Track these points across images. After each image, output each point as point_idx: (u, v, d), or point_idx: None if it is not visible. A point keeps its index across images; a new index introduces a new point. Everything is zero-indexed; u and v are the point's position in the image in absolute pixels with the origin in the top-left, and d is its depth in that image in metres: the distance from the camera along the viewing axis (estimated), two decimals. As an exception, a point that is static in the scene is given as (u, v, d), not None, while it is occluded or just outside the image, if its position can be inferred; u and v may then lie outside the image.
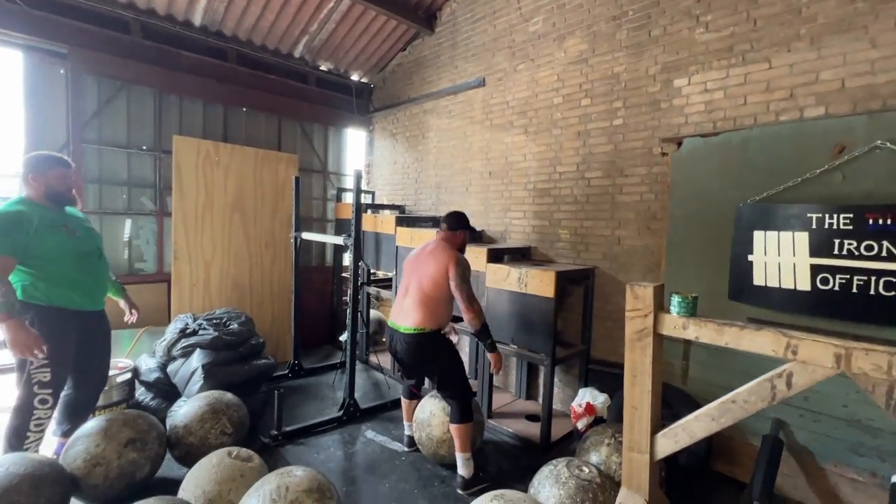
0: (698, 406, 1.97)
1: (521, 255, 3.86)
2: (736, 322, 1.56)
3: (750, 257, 2.64)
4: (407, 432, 3.15)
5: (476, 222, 4.50)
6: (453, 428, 2.69)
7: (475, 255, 3.54)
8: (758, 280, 2.61)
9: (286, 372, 4.32)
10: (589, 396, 3.17)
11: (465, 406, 2.69)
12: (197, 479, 2.25)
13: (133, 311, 2.98)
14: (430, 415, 2.89)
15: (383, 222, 4.48)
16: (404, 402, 3.16)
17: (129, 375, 3.24)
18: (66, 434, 2.64)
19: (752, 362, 1.99)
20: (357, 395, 3.64)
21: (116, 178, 4.22)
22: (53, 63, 3.86)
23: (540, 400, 3.90)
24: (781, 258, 2.52)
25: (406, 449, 3.13)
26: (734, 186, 2.73)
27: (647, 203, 3.26)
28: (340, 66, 5.53)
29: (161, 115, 4.40)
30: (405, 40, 5.26)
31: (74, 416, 2.68)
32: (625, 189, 3.37)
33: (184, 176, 4.29)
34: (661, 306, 1.73)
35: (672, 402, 2.79)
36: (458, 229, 2.91)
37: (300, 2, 4.40)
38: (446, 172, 4.87)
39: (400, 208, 5.28)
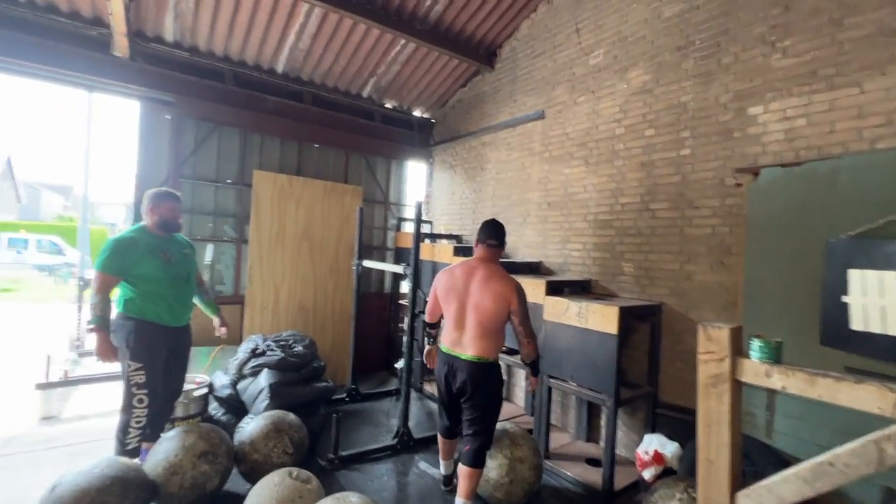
0: (787, 464, 1.76)
1: (580, 289, 3.75)
2: (831, 372, 1.40)
3: (845, 298, 2.37)
4: (444, 471, 3.03)
5: (534, 254, 4.45)
6: (468, 471, 2.54)
7: (533, 287, 3.49)
8: (856, 324, 2.32)
9: (344, 396, 4.43)
10: (657, 444, 2.93)
11: (486, 448, 2.63)
12: (259, 497, 2.35)
13: (223, 326, 3.30)
14: (487, 456, 2.82)
15: (441, 251, 4.57)
16: (442, 440, 2.98)
17: (205, 390, 3.49)
18: (147, 438, 2.89)
19: (852, 418, 1.75)
20: (411, 423, 3.64)
21: (204, 208, 4.70)
22: (162, 110, 4.45)
23: (601, 443, 3.68)
24: (886, 300, 2.23)
25: (443, 487, 3.02)
26: (821, 220, 2.50)
27: (719, 236, 3.06)
28: (404, 103, 5.85)
29: (245, 152, 4.88)
30: (466, 77, 5.48)
31: (155, 420, 2.93)
32: (694, 221, 3.20)
33: (261, 207, 4.68)
34: (738, 350, 1.59)
35: (755, 458, 2.51)
36: (504, 244, 2.83)
37: (370, 47, 4.76)
38: (504, 203, 4.90)
39: (457, 238, 5.37)
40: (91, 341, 2.80)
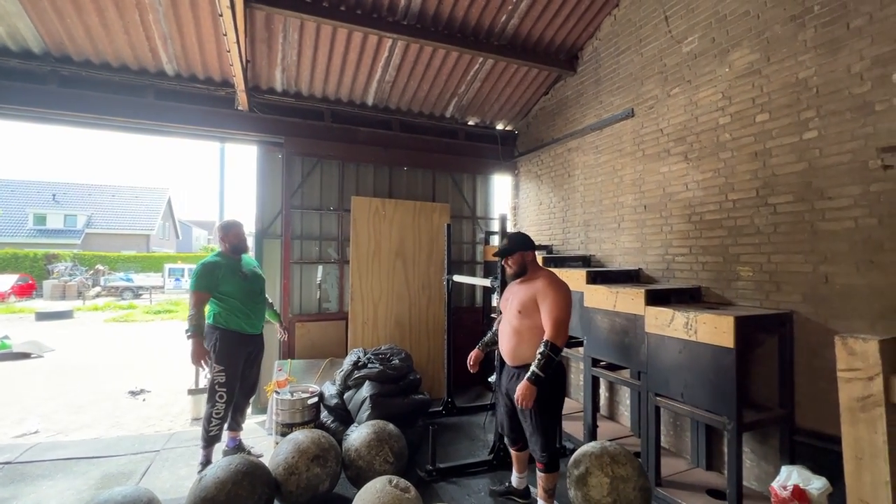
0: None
1: (688, 297, 3.39)
2: None
3: None
4: (518, 485, 3.04)
5: (632, 261, 4.15)
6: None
7: (631, 298, 3.24)
8: None
9: (440, 409, 4.53)
10: (797, 478, 2.49)
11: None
12: (363, 502, 2.49)
13: (285, 332, 3.95)
14: (585, 472, 2.66)
15: (530, 263, 4.48)
16: (515, 453, 3.02)
17: (316, 399, 3.83)
18: (231, 428, 3.50)
19: None
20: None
21: (311, 233, 5.24)
22: (274, 150, 5.09)
23: (725, 472, 3.23)
24: None
25: (521, 501, 3.01)
26: None
27: (865, 230, 2.56)
28: (486, 118, 5.94)
29: (343, 180, 5.35)
30: (547, 85, 5.39)
31: (233, 413, 3.49)
32: (829, 214, 2.72)
33: (359, 229, 5.07)
34: (894, 367, 1.31)
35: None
36: (512, 251, 2.82)
37: (450, 70, 4.94)
38: (595, 209, 4.67)
39: (547, 248, 5.23)
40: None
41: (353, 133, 5.31)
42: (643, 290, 3.20)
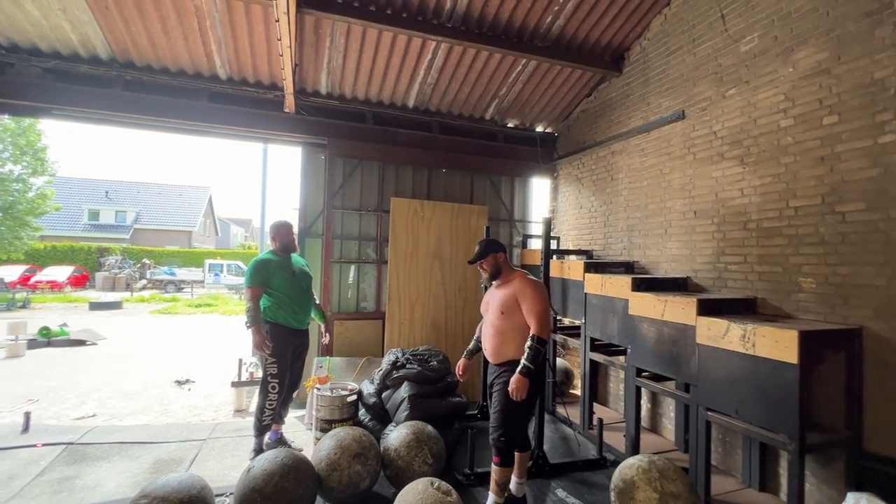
0: None
1: (743, 308, 3.23)
2: None
3: None
4: (517, 492, 2.93)
5: (680, 268, 4.00)
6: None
7: (681, 306, 3.12)
8: None
9: (476, 412, 4.50)
10: (866, 505, 2.32)
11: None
12: (406, 502, 2.50)
13: (327, 334, 4.09)
14: (632, 486, 2.58)
15: (571, 268, 4.40)
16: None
17: (355, 397, 3.89)
18: (275, 421, 3.58)
19: None
20: (545, 447, 3.52)
21: (351, 234, 5.33)
22: (318, 152, 5.21)
23: (782, 495, 3.07)
24: None
25: None
26: None
27: (951, 242, 2.36)
28: (526, 120, 5.88)
29: (383, 182, 5.42)
30: (590, 86, 5.28)
31: (283, 405, 3.62)
32: (907, 224, 2.53)
33: (397, 230, 5.11)
34: None
35: None
36: (483, 257, 2.92)
37: (492, 72, 4.92)
38: (639, 214, 4.53)
39: (587, 253, 5.11)
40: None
41: (393, 135, 5.37)
42: (694, 300, 3.07)
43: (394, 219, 5.13)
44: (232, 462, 3.55)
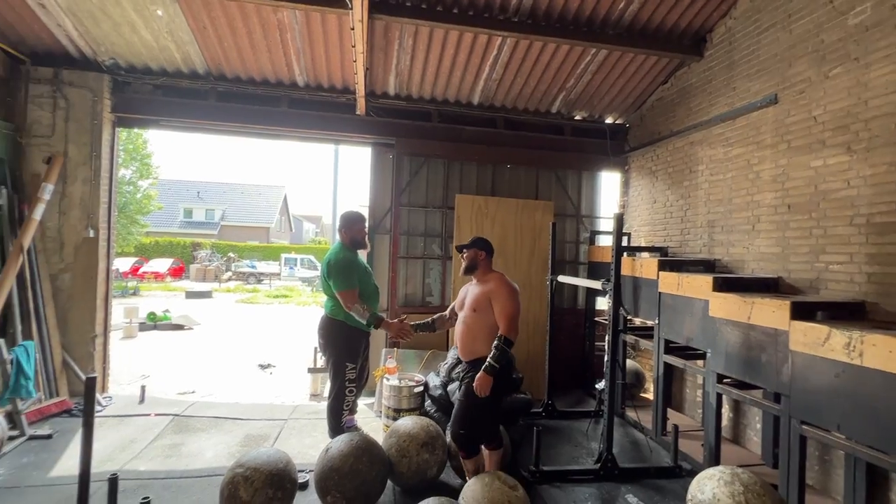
0: None
1: (847, 313, 2.89)
2: None
3: None
4: None
5: (769, 268, 3.67)
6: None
7: (772, 309, 2.87)
8: None
9: (540, 410, 4.46)
10: None
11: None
12: (473, 493, 2.55)
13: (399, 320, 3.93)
14: (712, 499, 2.43)
15: (643, 266, 4.20)
16: (486, 451, 2.96)
17: (421, 388, 4.02)
18: (350, 411, 3.44)
19: None
20: (614, 450, 3.41)
21: (416, 230, 5.48)
22: (386, 151, 5.41)
23: (893, 524, 2.72)
24: None
25: None
26: None
27: None
28: (595, 112, 5.66)
29: (448, 179, 5.51)
30: (666, 73, 4.97)
31: (355, 402, 3.51)
32: None
33: (462, 226, 5.18)
34: None
35: None
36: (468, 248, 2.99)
37: (559, 64, 4.79)
38: (722, 209, 4.20)
39: (661, 250, 4.84)
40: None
41: (458, 132, 5.43)
42: (788, 302, 2.80)
43: (458, 215, 5.20)
44: (310, 441, 3.83)
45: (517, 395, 3.88)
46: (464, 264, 3.00)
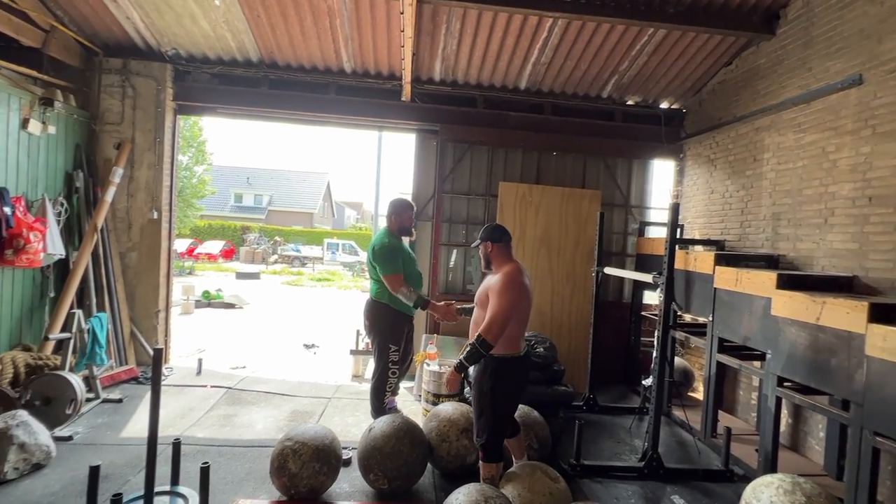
0: None
1: (936, 317, 2.61)
2: None
3: None
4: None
5: (843, 265, 3.38)
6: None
7: (846, 311, 2.63)
8: None
9: (581, 404, 4.37)
10: None
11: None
12: (513, 482, 2.55)
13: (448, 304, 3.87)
14: (769, 506, 2.30)
15: (697, 259, 3.98)
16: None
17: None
18: (392, 392, 3.52)
19: None
20: (660, 450, 3.29)
21: (458, 217, 5.46)
22: (430, 138, 5.40)
23: (979, 551, 2.47)
24: None
25: None
26: None
27: None
28: (649, 97, 5.38)
29: (492, 166, 5.43)
30: (731, 53, 4.62)
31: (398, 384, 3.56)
32: None
33: (505, 214, 5.11)
34: None
35: None
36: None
37: (612, 46, 4.57)
38: (789, 201, 3.89)
39: (718, 244, 4.56)
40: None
41: (503, 118, 5.32)
42: (865, 303, 2.56)
43: (501, 203, 5.13)
44: (352, 420, 3.96)
45: (559, 386, 3.81)
46: (482, 261, 2.81)
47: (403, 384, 4.82)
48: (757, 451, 3.34)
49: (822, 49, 3.66)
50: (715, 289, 3.68)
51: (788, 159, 3.93)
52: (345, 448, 3.15)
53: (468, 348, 2.47)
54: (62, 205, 4.40)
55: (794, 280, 3.17)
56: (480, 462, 2.62)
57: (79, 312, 3.90)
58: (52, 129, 4.21)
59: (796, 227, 3.81)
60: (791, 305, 3.01)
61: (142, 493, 1.95)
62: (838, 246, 3.41)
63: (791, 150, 3.91)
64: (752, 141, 4.36)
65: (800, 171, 3.81)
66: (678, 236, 5.07)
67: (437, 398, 3.82)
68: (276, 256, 23.73)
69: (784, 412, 3.77)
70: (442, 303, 3.30)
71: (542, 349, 3.97)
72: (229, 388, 4.49)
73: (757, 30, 4.16)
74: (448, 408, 3.22)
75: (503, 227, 2.80)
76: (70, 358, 3.76)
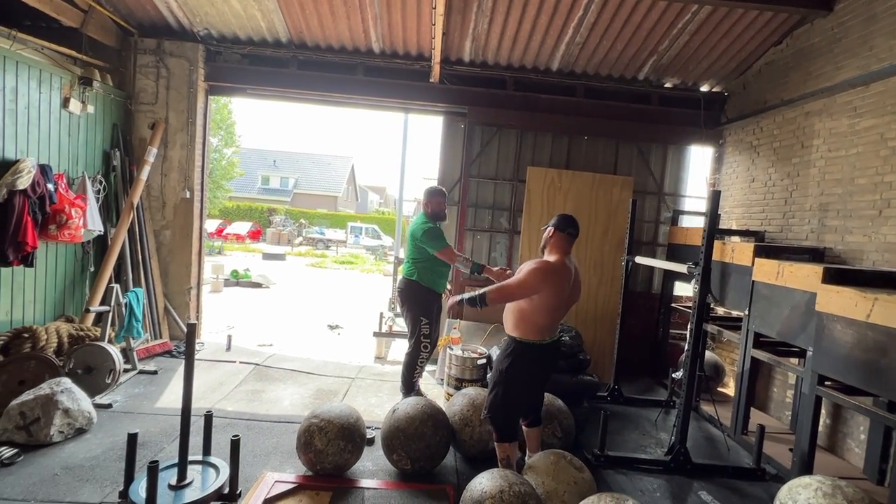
0: None
1: None
2: None
3: None
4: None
5: (896, 260, 3.17)
6: None
7: (900, 308, 2.47)
8: None
9: (605, 394, 4.31)
10: None
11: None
12: (537, 470, 2.53)
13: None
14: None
15: (735, 251, 3.80)
16: (524, 428, 2.88)
17: (484, 360, 4.02)
18: (419, 373, 3.83)
19: None
20: (688, 444, 3.21)
21: (485, 202, 5.38)
22: (458, 120, 5.30)
23: None
24: None
25: None
26: None
27: None
28: (688, 79, 5.12)
29: (520, 150, 5.30)
30: (781, 31, 4.33)
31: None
32: None
33: (532, 200, 5.00)
34: None
35: None
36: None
37: (652, 24, 4.34)
38: (839, 190, 3.66)
39: (757, 235, 4.36)
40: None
41: (533, 101, 5.17)
42: (925, 301, 2.39)
43: (529, 188, 5.02)
44: (375, 401, 4.01)
45: (583, 376, 3.75)
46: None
47: (426, 368, 4.85)
48: (791, 450, 3.23)
49: (887, 26, 3.37)
50: (753, 281, 3.52)
51: (841, 146, 3.69)
52: (368, 427, 3.19)
53: (473, 294, 2.62)
54: (101, 182, 4.54)
55: (842, 274, 2.99)
56: (495, 443, 2.72)
57: (117, 287, 4.05)
58: (90, 109, 4.32)
59: (846, 219, 3.59)
60: (838, 301, 2.84)
61: (176, 461, 2.02)
62: (893, 240, 3.20)
63: (844, 137, 3.66)
64: (801, 126, 4.10)
65: (853, 158, 3.57)
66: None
67: (460, 382, 3.83)
68: (300, 238, 24.14)
69: (822, 412, 3.61)
70: (497, 268, 3.54)
71: (567, 338, 3.89)
72: (257, 364, 4.61)
73: (812, 6, 3.87)
74: (472, 392, 3.21)
75: (574, 219, 2.82)
76: (109, 330, 3.92)
